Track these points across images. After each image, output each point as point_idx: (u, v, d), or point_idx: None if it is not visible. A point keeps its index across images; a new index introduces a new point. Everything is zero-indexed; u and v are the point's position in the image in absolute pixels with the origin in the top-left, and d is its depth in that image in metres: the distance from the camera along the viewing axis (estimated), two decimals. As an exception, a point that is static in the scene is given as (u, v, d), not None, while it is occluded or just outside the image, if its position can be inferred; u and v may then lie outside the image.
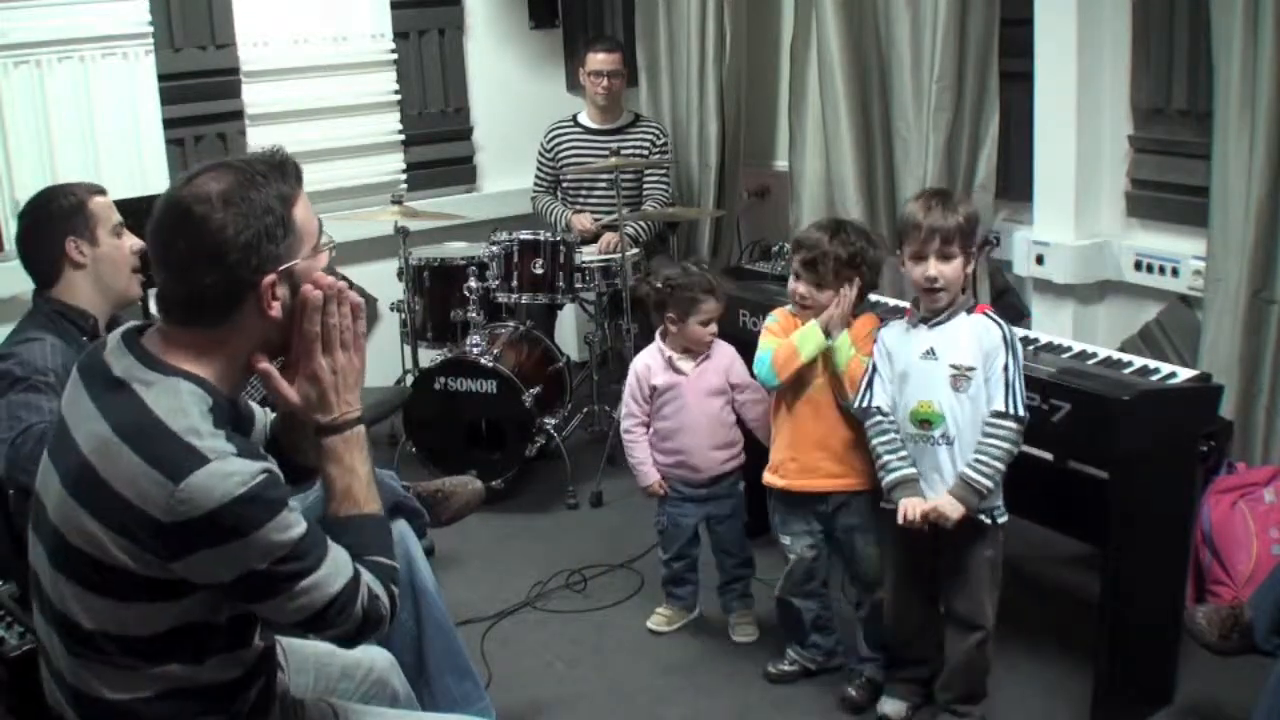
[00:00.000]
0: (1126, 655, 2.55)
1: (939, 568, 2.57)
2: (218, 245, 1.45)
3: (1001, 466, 2.40)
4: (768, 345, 2.73)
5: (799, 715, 2.78)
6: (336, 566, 1.51)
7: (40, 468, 1.56)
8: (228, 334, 1.51)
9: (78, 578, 1.47)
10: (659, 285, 3.01)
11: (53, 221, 2.38)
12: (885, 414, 2.54)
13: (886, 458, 2.53)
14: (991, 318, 2.46)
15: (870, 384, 2.57)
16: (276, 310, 1.50)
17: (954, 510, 2.41)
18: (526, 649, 3.12)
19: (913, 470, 2.50)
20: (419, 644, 2.34)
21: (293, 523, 1.46)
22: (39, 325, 2.34)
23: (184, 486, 1.38)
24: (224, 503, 1.39)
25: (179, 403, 1.45)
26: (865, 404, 2.57)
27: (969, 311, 2.47)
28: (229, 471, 1.41)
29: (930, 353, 2.47)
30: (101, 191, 2.47)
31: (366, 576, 1.55)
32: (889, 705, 2.71)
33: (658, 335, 3.07)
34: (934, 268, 2.43)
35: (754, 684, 2.91)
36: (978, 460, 2.40)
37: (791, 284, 2.71)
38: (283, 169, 1.53)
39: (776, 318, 2.79)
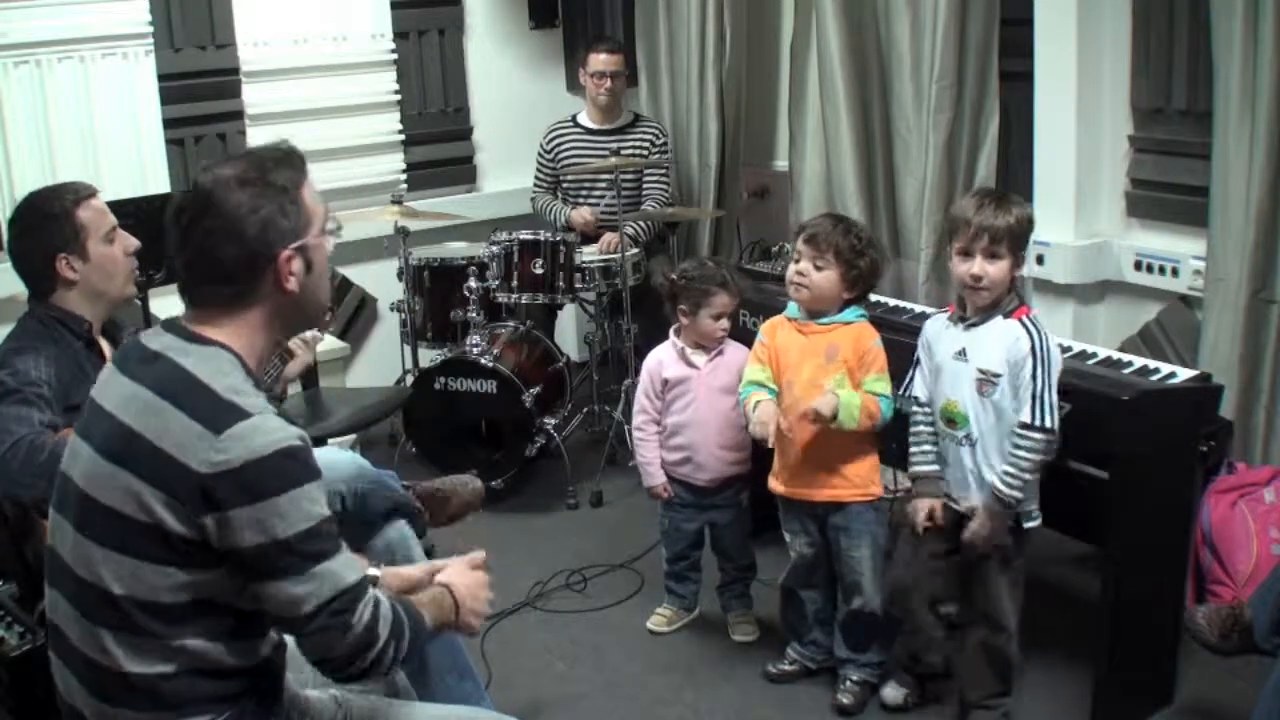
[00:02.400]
0: (1126, 655, 2.55)
1: (962, 562, 2.58)
2: (237, 220, 1.57)
3: (1029, 477, 2.40)
4: (749, 379, 2.76)
5: (799, 715, 2.78)
6: (349, 561, 1.57)
7: (67, 450, 1.64)
8: (250, 310, 1.62)
9: (108, 541, 1.52)
10: (673, 277, 3.01)
11: (39, 239, 2.32)
12: (922, 404, 2.57)
13: (913, 450, 2.58)
14: (1027, 325, 2.41)
15: (912, 376, 2.61)
16: (293, 284, 1.62)
17: (985, 532, 2.45)
18: (526, 649, 3.12)
19: (933, 467, 2.55)
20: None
21: (321, 499, 1.53)
22: (34, 333, 2.32)
23: (224, 437, 1.47)
24: (261, 455, 1.47)
25: (219, 366, 1.56)
26: (905, 393, 2.61)
27: (1007, 316, 2.43)
28: (270, 427, 1.50)
29: (962, 353, 2.47)
30: (92, 194, 2.38)
31: (383, 601, 1.59)
32: (889, 690, 2.75)
33: (671, 331, 3.08)
34: (979, 266, 2.40)
35: (754, 684, 2.91)
36: (1005, 473, 2.41)
37: (790, 268, 2.69)
38: (289, 157, 1.67)
39: (763, 336, 2.79)
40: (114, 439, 1.53)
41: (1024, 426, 2.38)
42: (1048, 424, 2.36)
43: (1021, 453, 2.38)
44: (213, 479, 1.46)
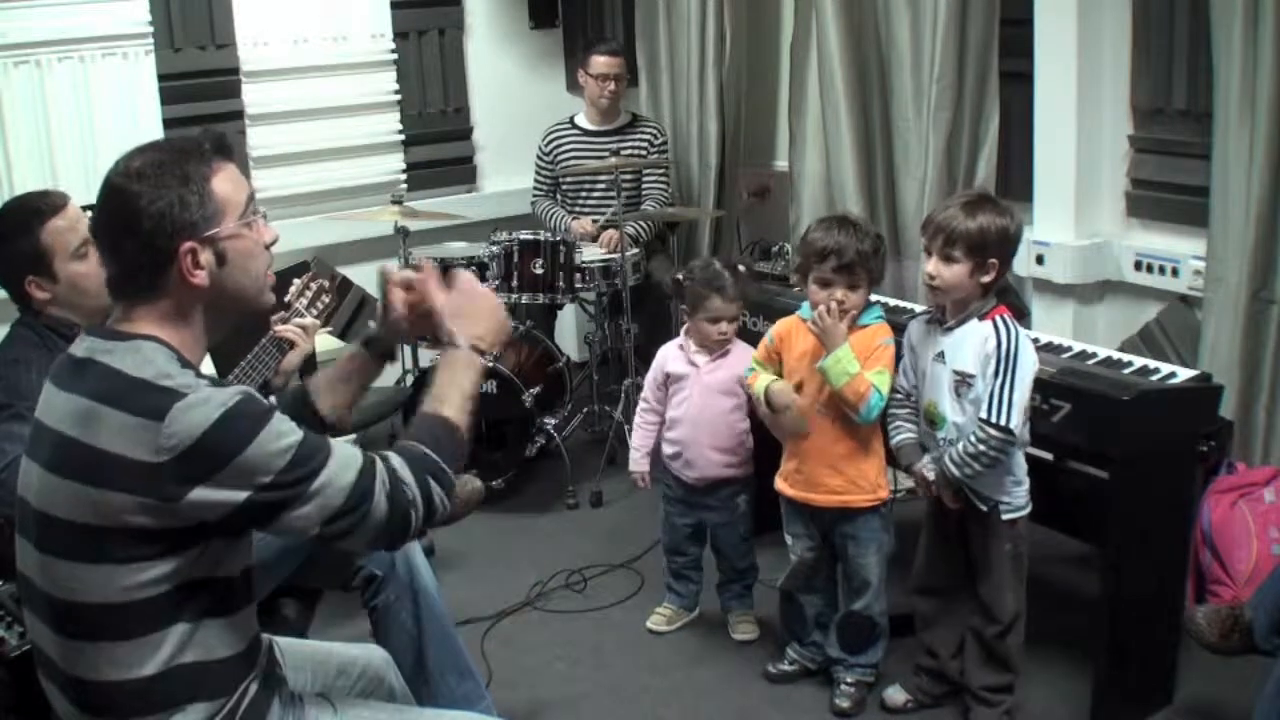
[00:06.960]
0: (1126, 655, 2.55)
1: (969, 556, 2.59)
2: (133, 215, 1.53)
3: (976, 466, 2.39)
4: (750, 366, 2.79)
5: (798, 715, 2.78)
6: (344, 459, 1.55)
7: (20, 474, 1.61)
8: (162, 302, 1.58)
9: (73, 554, 1.50)
10: (678, 276, 3.02)
11: (7, 259, 2.26)
12: (902, 392, 2.60)
13: (891, 428, 2.63)
14: (999, 325, 2.41)
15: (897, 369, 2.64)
16: (201, 278, 1.56)
17: (933, 480, 2.49)
18: (526, 649, 3.12)
19: (911, 435, 2.59)
20: (419, 644, 2.34)
21: (286, 430, 1.52)
22: (26, 342, 2.27)
23: (168, 422, 1.45)
24: (210, 425, 1.45)
25: (142, 357, 1.52)
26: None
27: (981, 317, 2.44)
28: (206, 398, 1.48)
29: (940, 356, 2.49)
30: (60, 208, 2.26)
31: (395, 461, 1.59)
32: (890, 691, 2.75)
33: (683, 328, 3.09)
34: (933, 265, 2.42)
35: (754, 684, 2.91)
36: (952, 453, 2.43)
37: (821, 293, 2.59)
38: (201, 146, 1.61)
39: (771, 338, 2.76)
40: (59, 453, 1.51)
41: (983, 421, 2.38)
42: (1003, 422, 2.35)
43: (975, 440, 2.38)
44: (173, 463, 1.44)
